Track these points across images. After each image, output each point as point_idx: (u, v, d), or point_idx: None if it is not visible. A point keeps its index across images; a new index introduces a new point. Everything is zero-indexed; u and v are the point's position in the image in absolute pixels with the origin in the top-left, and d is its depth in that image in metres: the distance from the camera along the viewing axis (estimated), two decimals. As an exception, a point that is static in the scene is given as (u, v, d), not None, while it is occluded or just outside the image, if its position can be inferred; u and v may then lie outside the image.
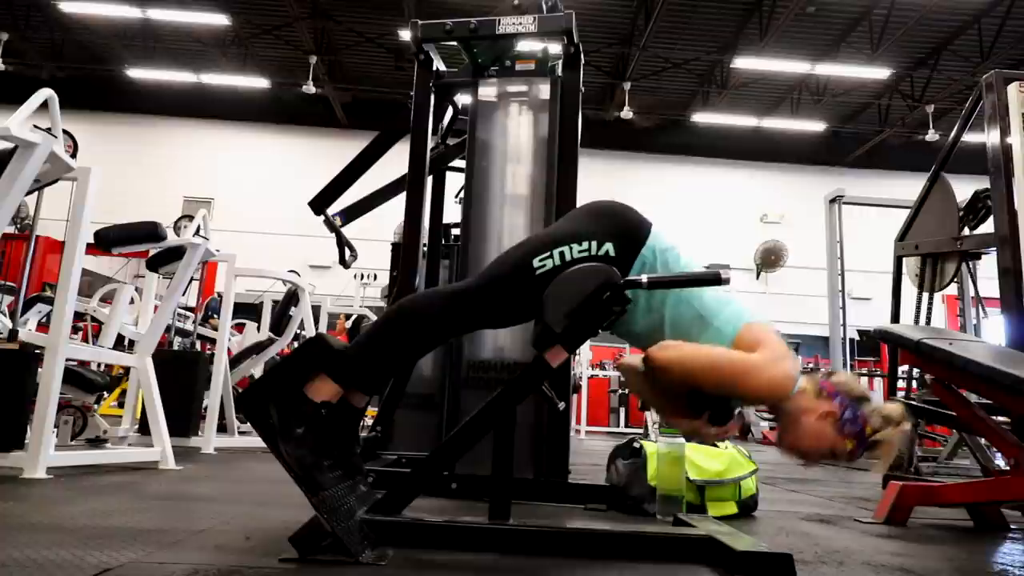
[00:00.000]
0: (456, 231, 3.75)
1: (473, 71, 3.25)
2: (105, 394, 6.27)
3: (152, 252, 3.80)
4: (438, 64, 3.24)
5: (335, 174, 3.71)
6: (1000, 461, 4.15)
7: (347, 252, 3.91)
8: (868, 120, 15.99)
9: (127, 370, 5.22)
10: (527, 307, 1.69)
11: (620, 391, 12.49)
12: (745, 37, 13.28)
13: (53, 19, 13.84)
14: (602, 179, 12.29)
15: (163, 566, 1.38)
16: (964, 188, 4.78)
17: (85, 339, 6.56)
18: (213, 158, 16.91)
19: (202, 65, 15.21)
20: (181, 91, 15.99)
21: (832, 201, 6.47)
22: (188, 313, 6.88)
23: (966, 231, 4.78)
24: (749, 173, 17.08)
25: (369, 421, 4.16)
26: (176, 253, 3.66)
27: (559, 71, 3.13)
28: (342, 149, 6.97)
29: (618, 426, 12.03)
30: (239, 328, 6.75)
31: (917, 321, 5.08)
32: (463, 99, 3.49)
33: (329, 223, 3.77)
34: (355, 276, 10.82)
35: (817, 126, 16.00)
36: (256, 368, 5.75)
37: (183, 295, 4.34)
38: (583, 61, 3.07)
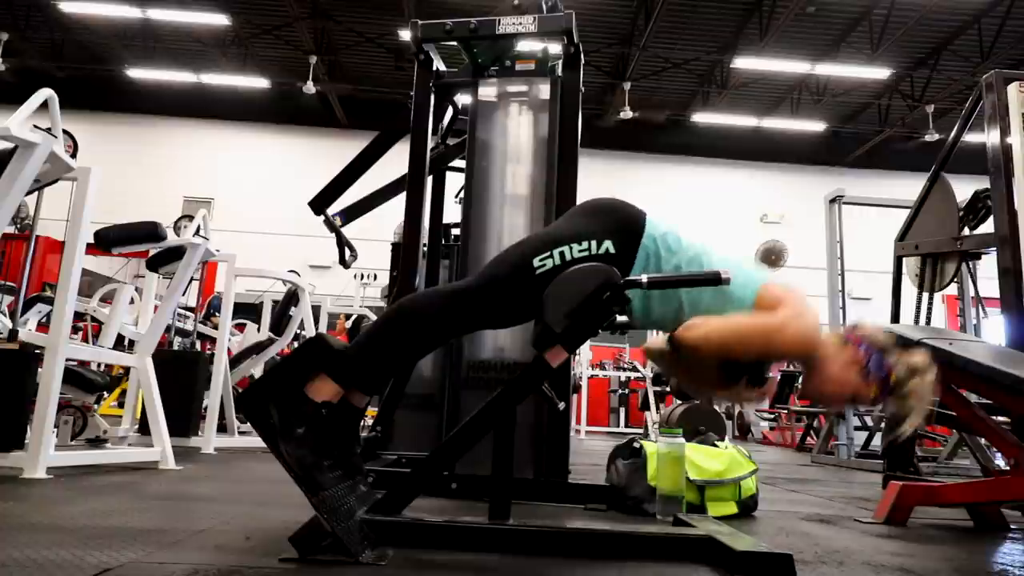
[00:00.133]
0: (456, 231, 3.75)
1: (473, 71, 3.25)
2: (105, 394, 6.28)
3: (152, 252, 3.80)
4: (438, 64, 3.24)
5: (335, 174, 3.72)
6: (1000, 461, 4.16)
7: (347, 252, 3.91)
8: (868, 120, 15.99)
9: (127, 370, 5.22)
10: (527, 307, 1.69)
11: (620, 391, 12.49)
12: (745, 37, 13.28)
13: (53, 19, 13.84)
14: (602, 179, 12.28)
15: (163, 566, 1.38)
16: (964, 188, 4.78)
17: (85, 339, 6.56)
18: (213, 158, 16.90)
19: (202, 65, 15.21)
20: (181, 91, 15.99)
21: (832, 201, 6.47)
22: (188, 313, 6.87)
23: (966, 231, 4.79)
24: (749, 173, 17.08)
25: (369, 421, 4.16)
26: (176, 253, 3.66)
27: (559, 71, 3.13)
28: (342, 149, 6.97)
29: (618, 426, 12.03)
30: (239, 328, 6.75)
31: (917, 321, 5.09)
32: (463, 99, 3.49)
33: (329, 223, 3.77)
34: (355, 276, 10.82)
35: (817, 126, 16.00)
36: (256, 368, 5.75)
37: (183, 295, 4.34)
38: (583, 61, 3.07)
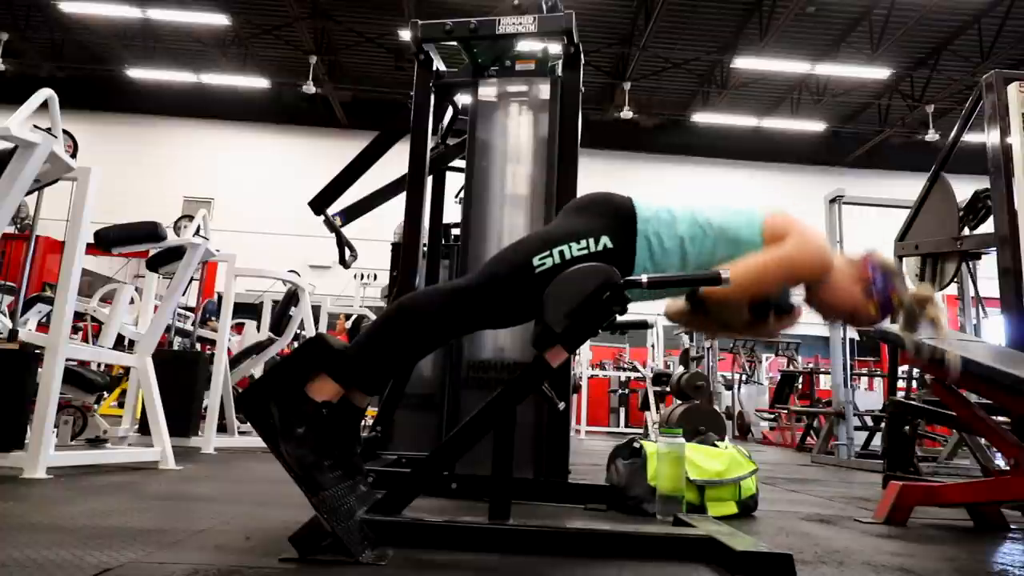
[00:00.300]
0: (456, 231, 3.74)
1: (473, 71, 3.25)
2: (105, 394, 6.28)
3: (152, 252, 3.80)
4: (438, 64, 3.24)
5: (335, 174, 3.71)
6: (1000, 461, 4.15)
7: (347, 252, 3.91)
8: (868, 120, 15.99)
9: (127, 370, 5.22)
10: (527, 306, 1.69)
11: (620, 391, 12.49)
12: (745, 37, 13.28)
13: (53, 19, 13.84)
14: (602, 179, 12.20)
15: (163, 566, 1.38)
16: (964, 188, 4.78)
17: (85, 339, 6.56)
18: (213, 158, 16.91)
19: (202, 65, 15.21)
20: (181, 91, 16.00)
21: (832, 201, 6.46)
22: (188, 313, 6.88)
23: (966, 231, 4.79)
24: (749, 173, 17.08)
25: (369, 421, 4.16)
26: (176, 253, 3.66)
27: (559, 71, 3.13)
28: (342, 149, 6.97)
29: (618, 426, 12.03)
30: (237, 329, 6.75)
31: (917, 321, 5.07)
32: (463, 99, 3.49)
33: (329, 223, 3.77)
34: (355, 276, 10.82)
35: (817, 126, 16.00)
36: (256, 368, 5.75)
37: (183, 295, 4.35)
38: (583, 61, 3.07)
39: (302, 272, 8.41)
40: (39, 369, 2.79)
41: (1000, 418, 3.00)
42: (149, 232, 3.43)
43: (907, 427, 3.65)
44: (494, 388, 1.80)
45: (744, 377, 12.11)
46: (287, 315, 5.88)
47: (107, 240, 3.32)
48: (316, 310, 6.89)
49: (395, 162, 3.57)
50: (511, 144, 3.19)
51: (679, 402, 7.20)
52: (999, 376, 2.30)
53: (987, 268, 4.76)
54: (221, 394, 4.46)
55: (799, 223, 1.79)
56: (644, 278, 1.60)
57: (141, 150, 16.59)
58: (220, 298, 5.00)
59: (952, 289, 5.84)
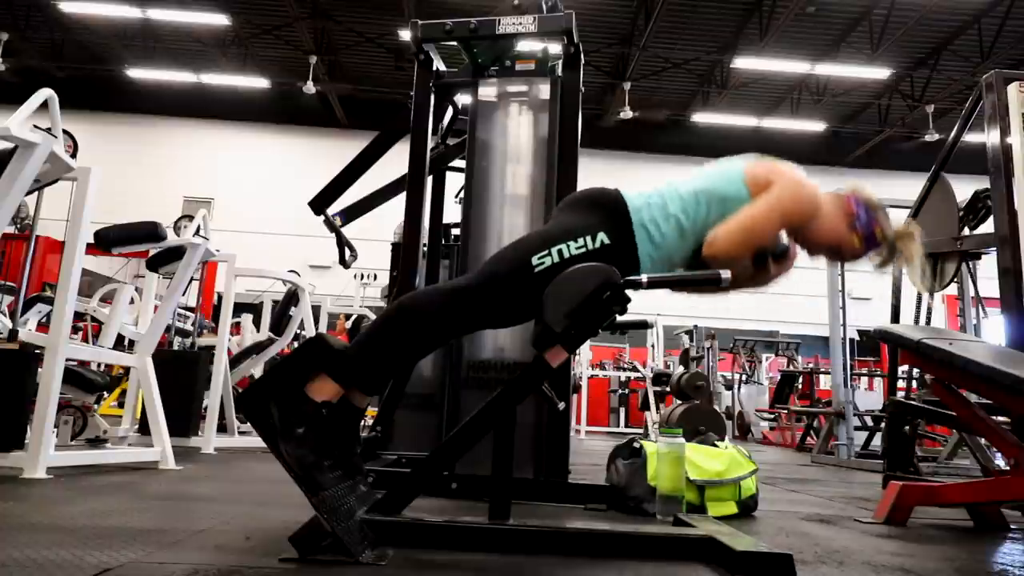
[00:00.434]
0: (456, 231, 3.74)
1: (473, 71, 3.25)
2: (105, 394, 6.27)
3: (152, 252, 3.80)
4: (438, 64, 3.23)
5: (335, 174, 3.72)
6: (1000, 461, 4.15)
7: (347, 252, 3.91)
8: (868, 120, 15.99)
9: (127, 370, 5.22)
10: (527, 305, 1.69)
11: (620, 391, 12.49)
12: (745, 37, 13.28)
13: (53, 19, 13.84)
14: (602, 179, 12.15)
15: (163, 566, 1.38)
16: (964, 188, 4.77)
17: (85, 339, 6.56)
18: (213, 158, 16.91)
19: (202, 65, 15.21)
20: (181, 91, 16.00)
21: (832, 201, 6.45)
22: (188, 313, 6.87)
23: (966, 231, 4.79)
24: (749, 173, 17.05)
25: (369, 421, 4.16)
26: (176, 253, 3.66)
27: (559, 71, 3.13)
28: (342, 149, 6.97)
29: (618, 426, 12.03)
30: (235, 329, 6.74)
31: (917, 321, 5.09)
32: (463, 99, 3.49)
33: (329, 223, 3.77)
34: (355, 276, 10.81)
35: (817, 126, 16.00)
36: (256, 368, 5.75)
37: (183, 295, 4.34)
38: (583, 61, 3.07)
39: (302, 272, 8.41)
40: (39, 369, 2.79)
41: (1000, 418, 3.00)
42: (149, 232, 3.43)
43: (907, 427, 3.65)
44: (494, 388, 1.80)
45: (744, 377, 12.11)
46: (287, 315, 5.88)
47: (107, 240, 3.32)
48: (316, 310, 6.88)
49: (395, 162, 3.57)
50: (511, 144, 3.18)
51: (679, 402, 7.20)
52: (999, 376, 2.30)
53: (987, 268, 4.76)
54: (221, 394, 4.46)
55: (780, 167, 1.82)
56: (644, 278, 1.61)
57: (141, 150, 16.59)
58: (220, 298, 4.99)
59: (952, 289, 5.84)
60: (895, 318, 4.97)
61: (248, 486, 2.84)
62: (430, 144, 3.16)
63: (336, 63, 15.03)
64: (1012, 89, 3.67)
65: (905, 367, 5.01)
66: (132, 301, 4.98)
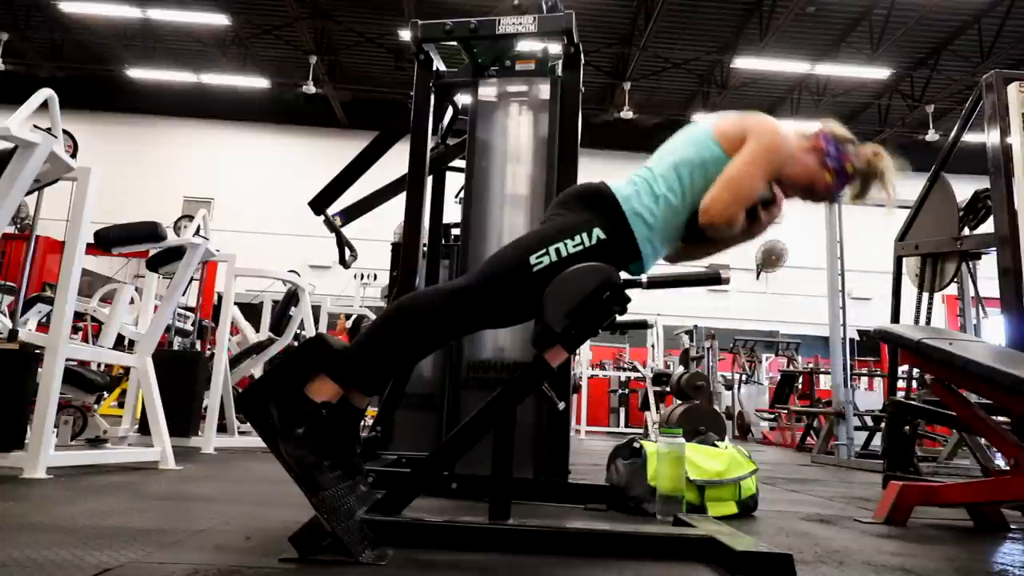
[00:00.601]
0: (456, 231, 3.74)
1: (473, 71, 3.25)
2: (105, 394, 6.27)
3: (152, 252, 3.80)
4: (438, 64, 3.23)
5: (335, 174, 3.71)
6: (1000, 461, 4.16)
7: (347, 252, 3.91)
8: (868, 120, 15.99)
9: (127, 370, 5.22)
10: (527, 305, 1.70)
11: (620, 391, 12.49)
12: (745, 37, 13.28)
13: (53, 19, 13.84)
14: (602, 179, 12.28)
15: (163, 566, 1.38)
16: (964, 188, 4.77)
17: (85, 339, 6.56)
18: (213, 158, 16.91)
19: (202, 65, 15.21)
20: (181, 91, 16.00)
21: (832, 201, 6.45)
22: (188, 313, 6.87)
23: (966, 231, 4.78)
24: (749, 173, 17.04)
25: (369, 421, 4.16)
26: (176, 253, 3.66)
27: (559, 71, 3.13)
28: (342, 149, 6.97)
29: (618, 426, 12.03)
30: (235, 329, 6.74)
31: (917, 321, 5.09)
32: (463, 99, 3.49)
33: (329, 223, 3.77)
34: (355, 276, 10.82)
35: (817, 126, 15.99)
36: (256, 368, 5.75)
37: (183, 295, 4.34)
38: (583, 61, 3.07)
39: (302, 272, 8.41)
40: (39, 369, 2.79)
41: (1000, 418, 3.00)
42: (149, 232, 3.43)
43: (907, 427, 3.65)
44: (494, 388, 1.80)
45: (744, 377, 12.11)
46: (287, 315, 5.88)
47: (107, 240, 3.32)
48: (316, 310, 6.89)
49: (395, 162, 3.57)
50: (511, 144, 3.18)
51: (679, 402, 7.20)
52: (999, 376, 2.30)
53: (987, 268, 4.76)
54: (221, 394, 4.46)
55: (748, 119, 1.83)
56: (644, 278, 1.61)
57: (141, 150, 16.59)
58: (220, 298, 4.99)
59: (952, 289, 5.84)
60: (895, 318, 4.97)
61: (248, 486, 2.84)
62: (430, 144, 3.16)
63: (336, 63, 15.03)
64: (1012, 89, 3.67)
65: (905, 367, 5.01)
66: (132, 301, 4.98)
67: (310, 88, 14.29)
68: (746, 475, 2.62)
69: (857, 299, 12.12)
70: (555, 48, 3.22)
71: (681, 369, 8.23)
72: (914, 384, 5.09)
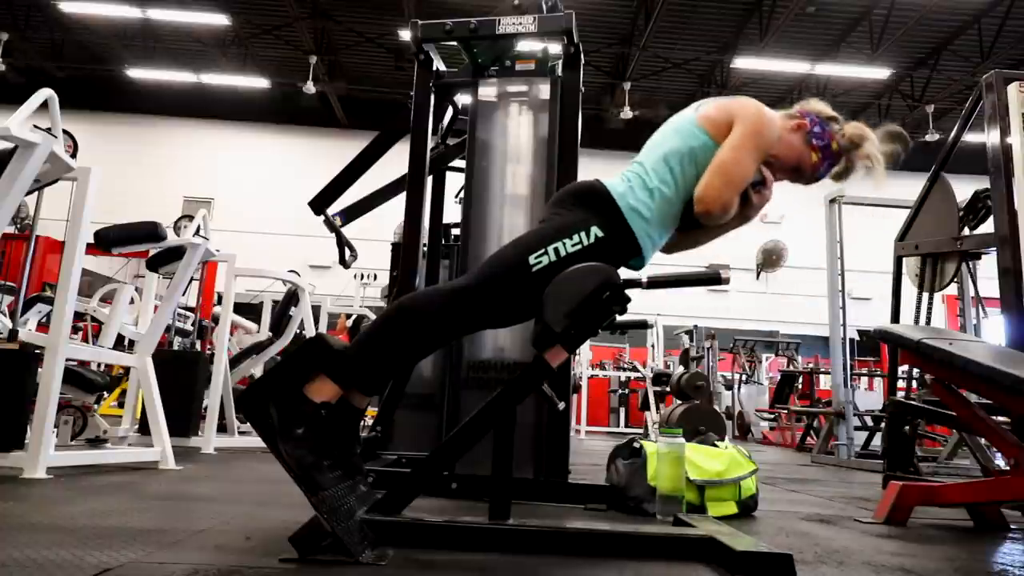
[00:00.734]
0: (456, 231, 3.75)
1: (473, 71, 3.25)
2: (105, 394, 6.27)
3: (152, 252, 3.80)
4: (438, 64, 3.24)
5: (335, 174, 3.72)
6: (1000, 461, 4.16)
7: (347, 252, 3.91)
8: (868, 120, 15.95)
9: (127, 370, 5.22)
10: (526, 305, 1.70)
11: (620, 391, 12.49)
12: (745, 37, 13.29)
13: (53, 19, 13.84)
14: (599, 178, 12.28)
15: (163, 566, 1.38)
16: (964, 188, 4.78)
17: (85, 339, 6.56)
18: (213, 158, 16.91)
19: (202, 65, 15.21)
20: (181, 91, 16.00)
21: (832, 201, 6.46)
22: (188, 313, 6.87)
23: (966, 231, 4.79)
24: (749, 173, 17.04)
25: (369, 421, 4.16)
26: (176, 253, 3.66)
27: (559, 71, 3.13)
28: (342, 149, 6.98)
29: (618, 426, 12.04)
30: (235, 328, 6.74)
31: (917, 321, 5.09)
32: (463, 99, 3.49)
33: (329, 223, 3.77)
34: (355, 276, 10.82)
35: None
36: (256, 368, 5.75)
37: (183, 295, 4.34)
38: (583, 61, 3.07)
39: (302, 272, 8.41)
40: (39, 369, 2.79)
41: (1000, 418, 3.00)
42: (149, 232, 3.43)
43: (907, 427, 3.65)
44: (494, 388, 1.80)
45: (744, 377, 12.12)
46: (287, 315, 5.88)
47: (107, 240, 3.32)
48: (316, 310, 6.89)
49: (395, 162, 3.57)
50: (511, 144, 3.19)
51: (679, 402, 7.20)
52: (999, 376, 2.30)
53: (987, 268, 4.76)
54: (221, 394, 4.47)
55: (733, 104, 1.83)
56: (644, 278, 1.61)
57: (141, 150, 16.60)
58: (220, 298, 4.99)
59: (952, 289, 5.84)
60: (895, 318, 4.97)
61: (248, 486, 2.84)
62: (430, 144, 3.16)
63: (336, 63, 15.03)
64: (1012, 89, 3.67)
65: (905, 367, 5.01)
66: (132, 301, 4.98)
67: (310, 88, 14.29)
68: (746, 475, 2.62)
69: (857, 299, 12.12)
70: (555, 48, 3.22)
71: (681, 369, 8.22)
72: (914, 384, 5.09)
